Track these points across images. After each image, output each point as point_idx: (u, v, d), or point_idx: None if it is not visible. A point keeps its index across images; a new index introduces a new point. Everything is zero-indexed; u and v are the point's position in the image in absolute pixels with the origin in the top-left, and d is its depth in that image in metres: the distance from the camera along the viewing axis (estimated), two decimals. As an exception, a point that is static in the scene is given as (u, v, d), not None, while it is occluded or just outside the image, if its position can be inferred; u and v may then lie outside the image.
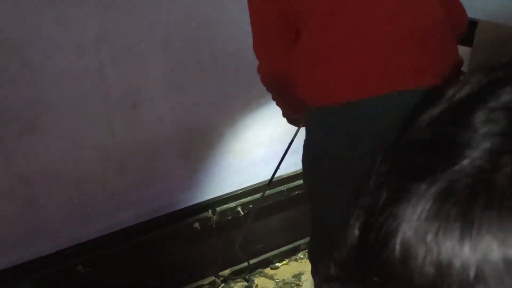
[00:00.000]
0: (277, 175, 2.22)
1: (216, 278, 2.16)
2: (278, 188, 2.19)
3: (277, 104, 1.58)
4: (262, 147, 2.17)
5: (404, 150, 0.34)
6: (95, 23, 1.66)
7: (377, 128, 1.20)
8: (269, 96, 1.62)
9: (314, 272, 1.65)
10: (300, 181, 2.18)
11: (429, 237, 0.29)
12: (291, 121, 1.68)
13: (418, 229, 0.30)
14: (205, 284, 2.14)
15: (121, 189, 1.92)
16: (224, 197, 2.09)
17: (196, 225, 2.00)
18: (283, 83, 1.41)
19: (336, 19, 1.24)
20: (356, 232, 0.34)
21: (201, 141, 2.03)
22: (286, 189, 2.19)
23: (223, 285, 2.17)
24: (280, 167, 2.24)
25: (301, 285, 2.16)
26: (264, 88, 1.53)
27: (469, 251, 0.28)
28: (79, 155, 1.79)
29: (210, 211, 2.04)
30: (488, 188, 0.28)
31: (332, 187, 1.35)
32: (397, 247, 0.30)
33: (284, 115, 1.66)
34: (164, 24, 1.78)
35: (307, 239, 2.27)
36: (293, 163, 2.24)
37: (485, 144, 0.30)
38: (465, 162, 0.29)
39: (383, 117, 1.20)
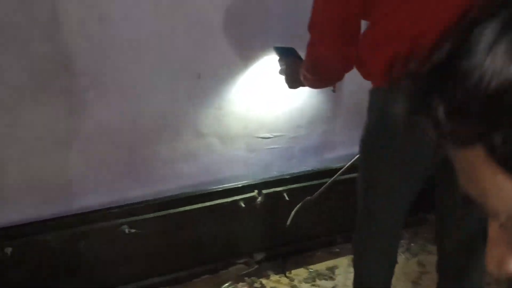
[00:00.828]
0: (324, 167, 2.22)
1: (251, 259, 2.16)
2: (323, 180, 2.17)
3: (306, 79, 1.53)
4: (314, 136, 2.16)
5: None
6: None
7: None
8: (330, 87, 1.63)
9: (356, 261, 1.64)
10: (346, 175, 2.17)
11: None
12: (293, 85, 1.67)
13: None
14: (240, 263, 2.15)
15: (172, 158, 1.94)
16: (272, 180, 2.09)
17: (241, 203, 2.00)
18: (333, 69, 1.44)
19: (407, 5, 1.24)
20: (446, 50, 0.36)
21: (256, 121, 2.02)
22: (331, 182, 2.17)
23: (256, 266, 2.17)
24: (329, 159, 2.24)
25: (335, 278, 2.15)
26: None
27: None
28: (138, 118, 1.81)
29: (256, 191, 2.04)
30: None
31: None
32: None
33: (296, 81, 1.62)
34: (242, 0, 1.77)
35: (345, 233, 2.26)
36: (338, 158, 2.24)
37: None
38: None
39: None
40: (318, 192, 2.04)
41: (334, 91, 1.59)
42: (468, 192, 0.41)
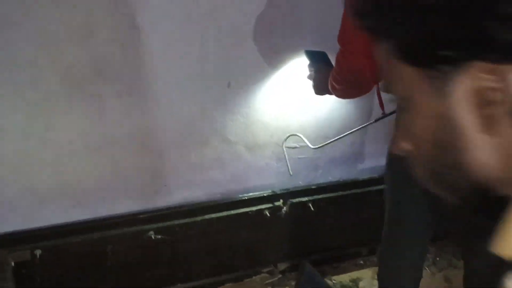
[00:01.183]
0: (350, 178, 2.21)
1: (275, 268, 2.16)
2: (350, 190, 2.16)
3: (334, 88, 1.54)
4: (342, 147, 2.15)
5: None
6: (208, -2, 1.69)
7: None
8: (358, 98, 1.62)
9: (380, 273, 1.63)
10: (372, 187, 2.16)
11: None
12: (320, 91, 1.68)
13: None
14: (264, 272, 2.15)
15: (200, 165, 1.95)
16: (297, 190, 2.09)
17: (266, 212, 2.00)
18: (362, 81, 1.43)
19: None
20: None
21: (282, 131, 2.03)
22: (360, 192, 2.17)
23: (280, 276, 2.17)
24: (356, 171, 2.23)
25: (358, 291, 2.14)
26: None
27: None
28: (168, 124, 1.83)
29: (281, 201, 2.04)
30: None
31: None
32: None
33: (323, 88, 1.64)
34: (273, 9, 1.78)
35: (370, 245, 2.25)
36: (366, 170, 2.23)
37: None
38: None
39: None
40: (325, 143, 1.97)
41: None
42: (383, 81, 0.52)
